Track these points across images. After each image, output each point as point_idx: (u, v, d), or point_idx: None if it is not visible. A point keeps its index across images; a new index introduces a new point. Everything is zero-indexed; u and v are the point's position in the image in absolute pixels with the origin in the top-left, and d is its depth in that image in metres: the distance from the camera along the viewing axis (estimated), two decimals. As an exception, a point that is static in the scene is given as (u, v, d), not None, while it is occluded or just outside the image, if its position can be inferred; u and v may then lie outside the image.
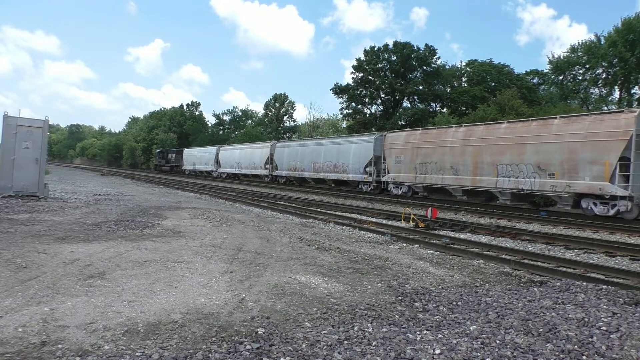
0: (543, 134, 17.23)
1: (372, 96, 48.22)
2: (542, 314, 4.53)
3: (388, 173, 25.08)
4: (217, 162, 49.43)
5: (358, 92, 48.15)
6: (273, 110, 72.18)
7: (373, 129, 42.69)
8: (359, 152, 27.83)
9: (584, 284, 6.07)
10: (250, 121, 75.82)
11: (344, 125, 54.67)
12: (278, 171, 37.43)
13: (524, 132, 18.10)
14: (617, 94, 37.69)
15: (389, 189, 25.22)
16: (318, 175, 32.22)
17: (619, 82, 36.18)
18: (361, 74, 47.26)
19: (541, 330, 4.04)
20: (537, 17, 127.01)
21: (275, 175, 38.01)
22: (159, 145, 74.17)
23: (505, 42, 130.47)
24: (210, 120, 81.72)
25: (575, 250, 9.78)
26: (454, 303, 4.82)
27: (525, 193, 18.01)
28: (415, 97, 47.24)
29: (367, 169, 26.85)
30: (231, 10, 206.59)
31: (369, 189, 26.97)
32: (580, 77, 38.20)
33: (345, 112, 50.71)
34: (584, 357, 3.50)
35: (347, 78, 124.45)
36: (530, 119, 19.47)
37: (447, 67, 48.46)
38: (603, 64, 35.42)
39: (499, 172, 18.77)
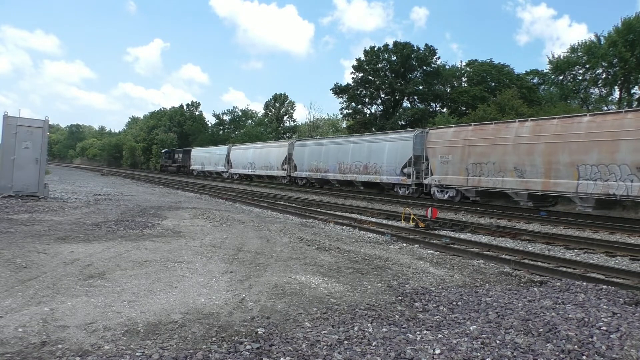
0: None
1: (372, 96, 48.25)
2: (542, 314, 4.53)
3: (431, 175, 22.15)
4: (228, 162, 46.81)
5: (358, 92, 48.18)
6: (273, 110, 72.21)
7: (373, 129, 42.69)
8: (395, 151, 24.85)
9: (584, 284, 6.07)
10: (250, 121, 75.82)
11: (344, 125, 54.68)
12: (297, 172, 34.30)
13: (616, 126, 15.31)
14: (617, 94, 37.71)
15: (431, 192, 22.49)
16: (344, 176, 29.07)
17: (619, 82, 36.18)
18: (361, 74, 47.28)
19: (541, 330, 4.04)
20: (537, 17, 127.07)
21: (293, 176, 35.13)
22: (159, 146, 74.12)
23: (505, 42, 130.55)
24: (210, 120, 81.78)
25: (575, 250, 9.78)
26: (454, 303, 4.82)
27: (617, 199, 15.48)
28: (415, 97, 47.26)
29: (405, 170, 23.89)
30: (231, 10, 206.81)
31: (407, 192, 24.30)
32: (580, 77, 38.22)
33: (345, 112, 50.77)
34: (584, 357, 3.50)
35: (347, 78, 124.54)
36: (623, 109, 17.28)
37: (447, 67, 48.49)
38: (603, 64, 35.43)
39: (581, 175, 15.99)
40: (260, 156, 40.43)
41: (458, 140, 21.02)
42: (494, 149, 19.23)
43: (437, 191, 22.16)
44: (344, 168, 29.13)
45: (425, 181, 22.72)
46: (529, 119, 19.78)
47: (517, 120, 19.88)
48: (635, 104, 34.19)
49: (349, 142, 29.71)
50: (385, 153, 25.57)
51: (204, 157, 53.16)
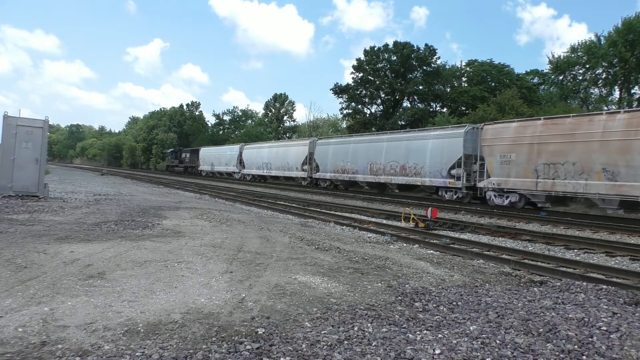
0: None
1: (372, 96, 48.23)
2: (542, 314, 4.53)
3: (488, 177, 19.36)
4: (240, 162, 44.16)
5: (358, 92, 48.16)
6: (273, 110, 72.20)
7: (373, 129, 42.68)
8: (440, 150, 22.02)
9: (584, 284, 6.07)
10: (250, 121, 75.83)
11: (344, 125, 54.65)
12: (320, 173, 31.38)
13: None
14: (617, 94, 37.71)
15: (486, 197, 19.67)
16: (377, 178, 26.02)
17: (619, 82, 36.18)
18: (361, 74, 47.27)
19: (541, 330, 4.04)
20: (537, 17, 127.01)
21: (315, 178, 32.23)
22: (159, 146, 74.08)
23: (505, 42, 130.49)
24: (210, 120, 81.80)
25: (575, 250, 9.78)
26: (454, 303, 4.82)
27: None
28: (415, 97, 47.24)
29: (453, 172, 21.00)
30: (230, 10, 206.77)
31: (455, 196, 21.41)
32: (580, 77, 38.22)
33: (345, 112, 50.74)
34: (584, 357, 3.50)
35: (347, 78, 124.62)
36: None
37: (447, 67, 48.49)
38: (603, 64, 35.43)
39: None
40: (277, 156, 37.58)
41: (523, 136, 18.09)
42: (573, 147, 16.30)
43: (495, 196, 19.32)
44: (376, 169, 26.03)
45: (480, 184, 19.80)
46: (621, 110, 17.46)
47: (604, 112, 17.43)
48: (635, 104, 34.18)
49: (382, 140, 26.47)
50: (428, 152, 22.66)
51: (213, 157, 50.58)
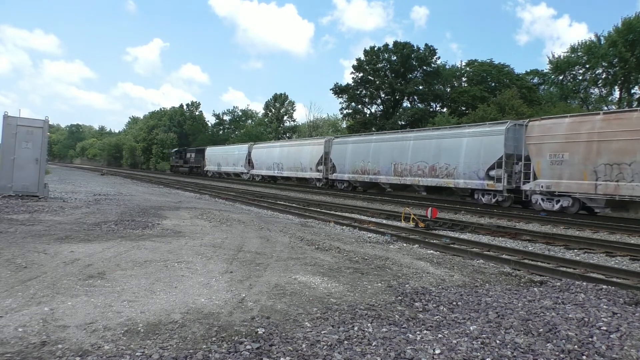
0: None
1: (372, 96, 48.24)
2: (542, 313, 4.53)
3: (535, 178, 17.52)
4: (249, 162, 42.42)
5: (358, 92, 48.17)
6: (273, 110, 72.22)
7: (373, 129, 42.67)
8: (477, 149, 20.08)
9: (584, 284, 6.07)
10: (250, 121, 75.86)
11: (344, 125, 54.65)
12: (337, 174, 29.55)
13: None
14: (617, 94, 37.74)
15: (532, 201, 17.85)
16: (402, 180, 24.12)
17: (619, 82, 36.20)
18: (361, 74, 47.28)
19: (541, 330, 4.04)
20: (537, 17, 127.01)
21: (332, 179, 30.45)
22: (159, 146, 74.07)
23: (505, 42, 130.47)
24: (210, 120, 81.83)
25: (575, 250, 9.78)
26: (454, 303, 4.82)
27: None
28: (415, 97, 47.25)
29: (492, 173, 19.12)
30: (230, 10, 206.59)
31: (494, 200, 19.48)
32: (580, 77, 38.24)
33: (345, 112, 50.76)
34: (584, 357, 3.50)
35: (347, 77, 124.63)
36: None
37: (447, 67, 48.51)
38: (603, 64, 35.45)
39: None
40: (289, 156, 35.64)
41: (579, 133, 16.26)
42: None
43: (543, 200, 17.46)
44: (401, 169, 24.15)
45: (525, 187, 17.96)
46: None
47: None
48: (635, 104, 34.19)
49: (408, 139, 24.45)
50: (463, 151, 20.61)
51: (220, 157, 48.80)
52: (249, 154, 42.69)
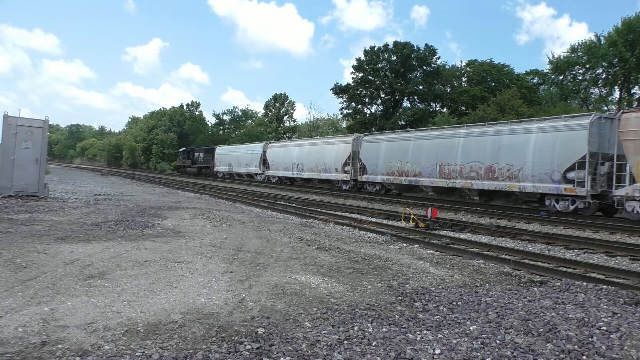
0: None
1: (372, 96, 48.26)
2: (542, 313, 4.53)
3: (633, 182, 14.64)
4: (264, 162, 39.91)
5: (358, 92, 48.18)
6: (273, 110, 72.21)
7: (373, 129, 42.67)
8: (550, 147, 17.12)
9: (584, 284, 6.07)
10: (250, 121, 75.87)
11: (344, 125, 54.66)
12: (368, 175, 26.68)
13: None
14: (617, 94, 37.74)
15: (628, 209, 14.79)
16: (450, 183, 21.20)
17: (619, 82, 36.19)
18: (361, 74, 47.29)
19: (541, 330, 4.04)
20: (537, 17, 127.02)
21: (361, 181, 27.66)
22: (159, 146, 74.03)
23: (505, 42, 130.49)
24: (210, 120, 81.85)
25: (575, 250, 9.78)
26: (454, 303, 4.82)
27: None
28: (415, 97, 47.27)
29: (571, 175, 16.29)
30: (230, 9, 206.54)
31: (573, 207, 16.44)
32: (580, 77, 38.23)
33: (345, 112, 50.78)
34: (584, 357, 3.50)
35: (347, 77, 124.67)
36: None
37: (447, 67, 48.53)
38: (603, 64, 35.44)
39: None
40: (310, 155, 32.77)
41: None
42: None
43: None
44: (448, 171, 21.30)
45: (618, 192, 15.00)
46: None
47: None
48: (635, 104, 34.20)
49: (457, 136, 21.41)
50: (530, 149, 17.74)
51: (231, 156, 46.15)
52: (264, 153, 40.11)
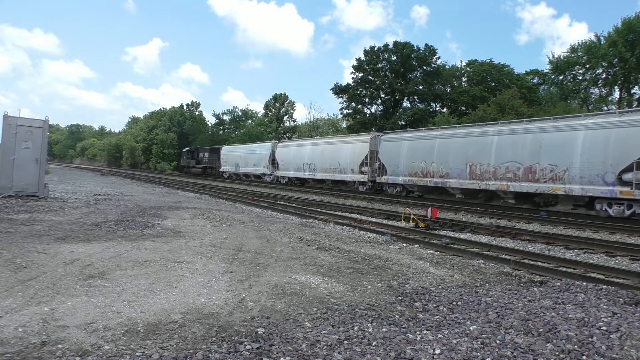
0: None
1: (372, 96, 48.25)
2: (542, 314, 4.53)
3: None
4: (273, 163, 38.50)
5: (358, 92, 48.17)
6: (273, 110, 72.22)
7: (373, 129, 42.66)
8: (602, 145, 15.51)
9: (584, 284, 6.07)
10: (250, 121, 75.87)
11: (344, 125, 54.65)
12: (388, 177, 25.15)
13: None
14: (617, 94, 37.73)
15: None
16: (482, 184, 19.63)
17: (619, 82, 36.18)
18: (361, 74, 47.29)
19: (541, 330, 4.04)
20: (537, 17, 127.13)
21: (380, 182, 25.98)
22: (160, 146, 74.00)
23: (505, 42, 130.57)
24: (210, 120, 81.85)
25: (575, 250, 9.78)
26: (454, 303, 4.82)
27: None
28: (415, 97, 47.26)
29: (629, 177, 14.70)
30: (229, 9, 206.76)
31: (629, 212, 14.96)
32: (580, 77, 38.22)
33: (345, 112, 50.77)
34: (584, 357, 3.50)
35: (347, 77, 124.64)
36: None
37: (447, 67, 48.54)
38: (603, 64, 35.43)
39: None
40: (324, 155, 31.23)
41: None
42: None
43: None
44: (481, 172, 19.66)
45: None
46: None
47: None
48: (635, 104, 34.20)
49: (490, 133, 19.81)
50: (578, 148, 16.20)
51: (238, 156, 44.67)
52: (273, 153, 38.66)
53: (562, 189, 16.65)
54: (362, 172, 27.43)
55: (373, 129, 43.35)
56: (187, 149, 59.12)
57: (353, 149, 28.49)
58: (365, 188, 27.21)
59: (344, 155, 29.14)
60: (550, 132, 17.53)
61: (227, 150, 48.16)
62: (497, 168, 19.04)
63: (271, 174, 38.89)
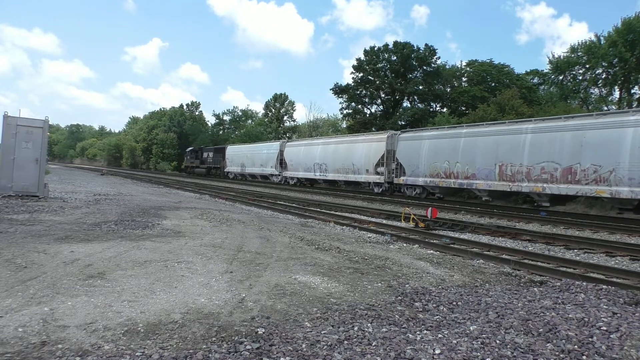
0: None
1: (372, 96, 48.26)
2: (542, 313, 4.53)
3: None
4: (281, 163, 37.26)
5: (358, 92, 48.19)
6: (273, 110, 72.24)
7: (373, 129, 42.65)
8: None
9: (584, 284, 6.07)
10: (250, 121, 75.89)
11: (344, 125, 54.66)
12: (407, 177, 23.76)
13: None
14: (617, 94, 37.72)
15: None
16: (514, 186, 18.35)
17: (619, 82, 36.17)
18: (361, 74, 47.30)
19: (541, 330, 4.04)
20: (537, 17, 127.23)
21: (398, 183, 24.69)
22: (160, 146, 73.99)
23: (505, 42, 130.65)
24: (210, 120, 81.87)
25: (575, 250, 9.78)
26: (454, 303, 4.82)
27: None
28: (415, 97, 47.28)
29: None
30: (229, 9, 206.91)
31: None
32: (580, 77, 38.21)
33: (345, 112, 50.78)
34: (584, 357, 3.50)
35: (347, 77, 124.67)
36: None
37: (447, 67, 48.54)
38: (603, 64, 35.42)
39: None
40: (336, 155, 29.95)
41: None
42: None
43: None
44: (512, 172, 18.36)
45: None
46: None
47: None
48: (635, 104, 34.20)
49: (523, 131, 18.40)
50: (627, 147, 14.88)
51: (244, 156, 43.40)
52: (281, 153, 37.31)
53: (607, 191, 15.34)
54: (377, 173, 26.10)
55: (373, 128, 43.35)
56: (190, 148, 57.83)
57: (368, 149, 27.11)
58: (381, 189, 26.05)
59: (358, 155, 27.82)
60: (593, 129, 16.11)
61: (232, 150, 46.91)
62: (530, 168, 17.75)
63: (279, 175, 37.68)
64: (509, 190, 18.80)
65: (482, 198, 20.72)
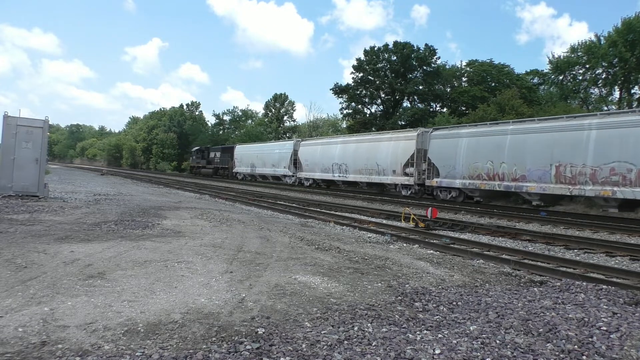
0: None
1: (372, 96, 48.30)
2: (542, 314, 4.53)
3: None
4: (294, 163, 35.32)
5: (358, 92, 48.22)
6: (273, 110, 72.24)
7: (373, 129, 42.65)
8: None
9: (584, 284, 6.07)
10: (250, 121, 75.89)
11: (344, 125, 54.66)
12: (441, 179, 21.68)
13: None
14: (617, 94, 37.74)
15: None
16: (575, 189, 16.41)
17: (619, 82, 36.19)
18: (361, 74, 47.35)
19: (541, 330, 4.04)
20: (537, 16, 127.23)
21: (431, 186, 22.52)
22: (159, 146, 73.99)
23: (505, 42, 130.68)
24: (210, 120, 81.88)
25: (575, 250, 9.78)
26: (454, 303, 4.82)
27: None
28: (415, 97, 47.32)
29: None
30: (229, 9, 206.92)
31: None
32: (580, 77, 38.23)
33: (345, 112, 50.82)
34: (584, 357, 3.50)
35: (347, 77, 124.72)
36: None
37: (447, 67, 48.57)
38: (603, 64, 35.44)
39: None
40: (357, 154, 27.89)
41: None
42: None
43: None
44: (572, 174, 16.41)
45: None
46: None
47: None
48: (635, 104, 34.20)
49: (586, 127, 16.30)
50: None
51: (254, 156, 41.43)
52: (295, 152, 35.20)
53: None
54: (406, 174, 23.86)
55: (373, 128, 43.36)
56: (196, 148, 55.90)
57: (395, 147, 24.74)
58: (410, 192, 23.92)
59: (384, 154, 25.43)
60: None
61: (241, 150, 44.76)
62: (596, 170, 15.60)
63: (293, 176, 35.49)
64: (568, 193, 16.74)
65: (532, 202, 18.70)
